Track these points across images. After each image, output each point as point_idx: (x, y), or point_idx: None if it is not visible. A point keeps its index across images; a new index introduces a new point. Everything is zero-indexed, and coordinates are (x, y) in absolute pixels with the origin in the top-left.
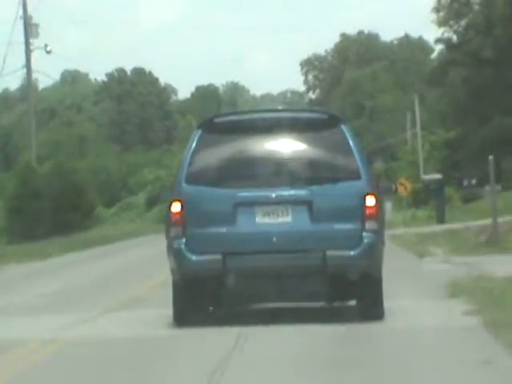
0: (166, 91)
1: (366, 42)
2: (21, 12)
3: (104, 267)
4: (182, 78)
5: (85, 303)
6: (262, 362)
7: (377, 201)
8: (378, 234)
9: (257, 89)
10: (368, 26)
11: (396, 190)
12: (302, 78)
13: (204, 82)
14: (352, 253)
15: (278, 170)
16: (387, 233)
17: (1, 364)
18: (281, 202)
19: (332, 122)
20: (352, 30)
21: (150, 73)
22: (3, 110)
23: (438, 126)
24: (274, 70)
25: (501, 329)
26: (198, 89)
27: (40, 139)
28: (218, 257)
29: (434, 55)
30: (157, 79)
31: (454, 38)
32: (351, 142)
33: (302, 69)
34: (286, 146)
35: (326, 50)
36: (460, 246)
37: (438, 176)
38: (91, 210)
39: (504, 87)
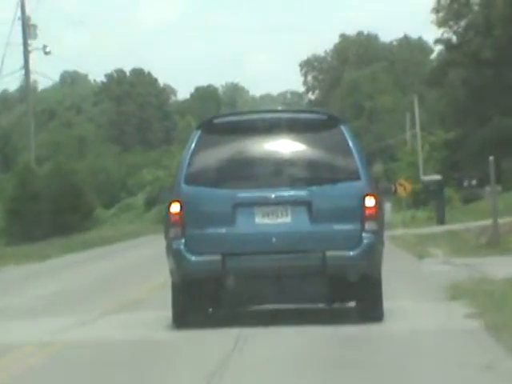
0: (166, 92)
1: (365, 42)
2: (19, 13)
3: (103, 268)
4: (182, 79)
5: (83, 305)
6: (261, 364)
7: (376, 201)
8: (378, 234)
9: (256, 89)
10: (367, 27)
11: (395, 191)
12: (301, 79)
13: (203, 82)
14: (351, 253)
15: (278, 171)
16: (387, 234)
17: None
18: (280, 202)
19: (331, 122)
20: (351, 31)
21: (149, 73)
22: (2, 111)
23: (437, 127)
24: (273, 71)
25: (502, 332)
26: (197, 89)
27: (39, 140)
28: (218, 257)
29: (433, 56)
30: (156, 80)
31: (454, 38)
32: (350, 143)
33: (301, 69)
34: (286, 146)
35: (325, 51)
36: (460, 247)
37: (437, 177)
38: (90, 211)
39: (503, 88)
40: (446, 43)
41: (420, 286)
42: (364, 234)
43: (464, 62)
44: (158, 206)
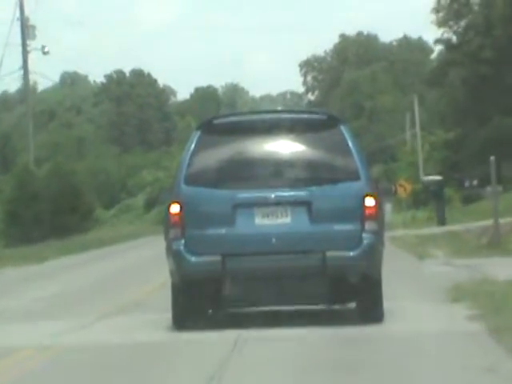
0: (165, 92)
1: (365, 42)
2: (18, 13)
3: (102, 270)
4: (181, 80)
5: (82, 307)
6: (260, 365)
7: (376, 201)
8: (378, 234)
9: (256, 90)
10: (367, 27)
11: (396, 192)
12: (301, 79)
13: (203, 83)
14: (351, 254)
15: (278, 171)
16: (387, 234)
17: None
18: (280, 203)
19: (331, 122)
20: (351, 31)
21: (148, 74)
22: (2, 112)
23: (437, 127)
24: (273, 71)
25: (503, 334)
26: (197, 90)
27: (39, 141)
28: (218, 258)
29: (433, 56)
30: (156, 80)
31: (454, 38)
32: (350, 143)
33: (301, 70)
34: (285, 147)
35: (325, 51)
36: (461, 248)
37: (438, 177)
38: (90, 212)
39: (503, 87)
40: (446, 43)
41: (421, 287)
42: (364, 235)
43: (464, 61)
44: (158, 206)
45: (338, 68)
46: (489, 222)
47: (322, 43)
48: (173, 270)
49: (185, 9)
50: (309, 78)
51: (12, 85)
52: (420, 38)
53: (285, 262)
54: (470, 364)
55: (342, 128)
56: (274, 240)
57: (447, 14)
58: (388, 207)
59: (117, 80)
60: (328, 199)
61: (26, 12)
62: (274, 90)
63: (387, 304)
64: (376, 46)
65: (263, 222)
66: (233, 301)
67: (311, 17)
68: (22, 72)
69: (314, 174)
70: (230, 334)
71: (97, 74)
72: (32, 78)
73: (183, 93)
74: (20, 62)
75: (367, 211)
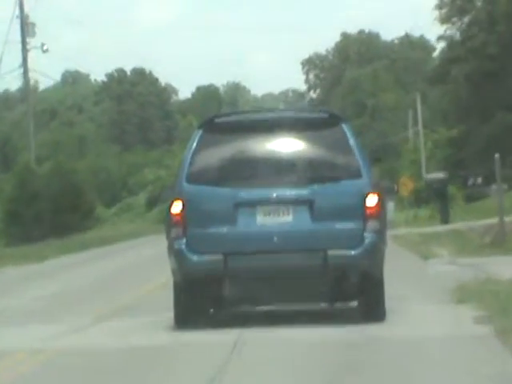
0: (167, 91)
1: (366, 41)
2: (17, 11)
3: (103, 269)
4: (183, 78)
5: (82, 307)
6: (261, 365)
7: (378, 200)
8: (380, 233)
9: (258, 89)
10: (369, 25)
11: (398, 190)
12: (302, 78)
13: (205, 82)
14: (353, 252)
15: (279, 170)
16: (389, 233)
17: None
18: (282, 201)
19: (333, 121)
20: (353, 29)
21: (150, 73)
22: (3, 110)
23: (439, 124)
24: (274, 70)
25: (510, 336)
26: (198, 89)
27: (40, 140)
28: (219, 257)
29: (435, 53)
30: (157, 79)
31: (457, 35)
32: (352, 141)
33: (302, 68)
34: (287, 145)
35: (326, 49)
36: (465, 247)
37: (441, 175)
38: (91, 210)
39: (507, 83)
40: (449, 40)
41: (425, 287)
42: (366, 233)
43: (467, 58)
44: (160, 205)
45: (340, 66)
46: (493, 221)
47: (324, 41)
48: (174, 269)
49: (186, 8)
50: (310, 76)
51: (13, 83)
52: (422, 37)
53: (286, 261)
54: (477, 369)
55: (344, 126)
56: (275, 239)
57: (450, 11)
58: (391, 205)
59: (118, 78)
60: (330, 198)
61: (26, 9)
62: (276, 88)
63: (391, 305)
64: (377, 44)
65: (265, 220)
66: (235, 299)
67: (312, 15)
68: (22, 70)
69: (315, 172)
70: (230, 335)
71: (98, 73)
72: (33, 76)
73: (185, 91)
74: (20, 60)
75: (369, 210)
